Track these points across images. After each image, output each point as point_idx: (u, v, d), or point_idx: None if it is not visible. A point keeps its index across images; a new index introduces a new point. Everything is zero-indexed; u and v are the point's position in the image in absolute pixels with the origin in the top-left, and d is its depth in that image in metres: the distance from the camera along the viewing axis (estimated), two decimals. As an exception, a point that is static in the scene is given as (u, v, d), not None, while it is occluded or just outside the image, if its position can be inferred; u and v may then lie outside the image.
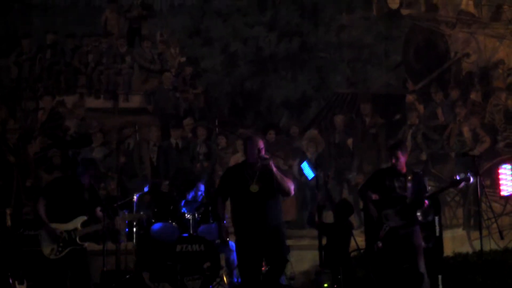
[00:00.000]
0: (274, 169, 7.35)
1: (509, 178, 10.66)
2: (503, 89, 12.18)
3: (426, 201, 7.89)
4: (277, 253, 7.39)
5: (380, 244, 8.05)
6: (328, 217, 9.40)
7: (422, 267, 7.96)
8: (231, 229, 7.76)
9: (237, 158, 11.26)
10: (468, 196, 11.57)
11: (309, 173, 9.29)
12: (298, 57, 12.30)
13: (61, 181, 8.21)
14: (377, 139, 11.99)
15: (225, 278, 9.36)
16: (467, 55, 12.26)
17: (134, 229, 9.49)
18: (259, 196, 7.33)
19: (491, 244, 10.03)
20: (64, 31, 12.21)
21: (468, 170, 7.97)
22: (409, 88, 12.21)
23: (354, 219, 9.92)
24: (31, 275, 8.73)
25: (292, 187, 7.49)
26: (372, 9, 12.39)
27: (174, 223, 9.42)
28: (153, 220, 9.48)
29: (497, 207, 11.30)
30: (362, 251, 8.51)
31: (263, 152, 7.40)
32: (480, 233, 8.13)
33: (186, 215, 9.50)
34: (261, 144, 7.45)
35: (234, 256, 8.78)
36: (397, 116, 12.12)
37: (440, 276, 8.69)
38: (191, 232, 9.37)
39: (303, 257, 10.37)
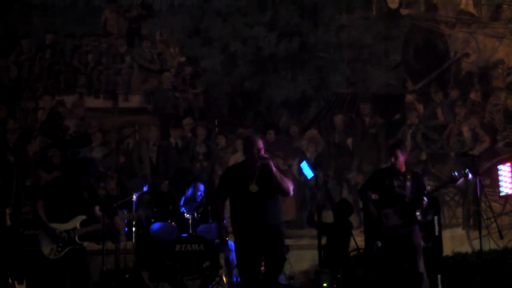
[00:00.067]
0: (274, 169, 7.34)
1: (508, 177, 10.65)
2: (502, 89, 12.18)
3: (426, 199, 7.89)
4: (276, 252, 7.38)
5: (379, 244, 8.07)
6: (328, 216, 9.40)
7: (422, 267, 7.97)
8: (231, 229, 7.76)
9: (237, 158, 11.26)
10: (468, 195, 11.58)
11: (308, 172, 9.28)
12: (298, 57, 12.30)
13: (60, 181, 8.19)
14: (376, 139, 11.99)
15: (224, 278, 9.37)
16: (467, 54, 12.26)
17: (134, 229, 9.49)
18: (258, 196, 7.32)
19: (490, 244, 10.05)
20: (64, 31, 12.21)
21: (466, 167, 7.98)
22: (408, 88, 12.21)
23: (353, 219, 9.91)
24: (30, 274, 8.72)
25: (291, 187, 7.49)
26: (371, 9, 12.39)
27: (173, 223, 9.42)
28: (152, 220, 9.48)
29: (496, 206, 11.30)
30: (361, 250, 8.52)
31: (262, 152, 7.40)
32: (480, 233, 8.14)
33: (185, 214, 9.50)
34: (260, 144, 7.45)
35: (233, 256, 8.77)
36: (397, 116, 12.12)
37: (439, 276, 8.70)
38: (191, 231, 9.36)
39: (302, 256, 10.37)
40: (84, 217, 7.85)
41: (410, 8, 12.33)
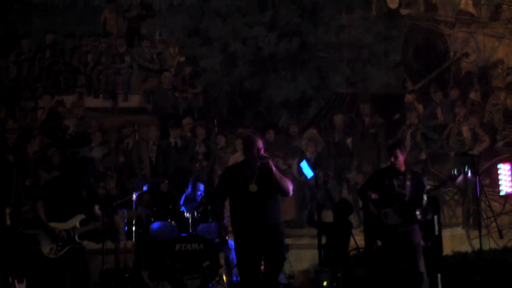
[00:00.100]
0: (273, 168, 7.34)
1: (508, 177, 10.65)
2: (502, 89, 12.17)
3: (425, 198, 7.89)
4: (275, 252, 7.38)
5: (379, 243, 8.07)
6: (328, 216, 9.40)
7: (422, 266, 7.96)
8: (230, 228, 7.76)
9: (236, 157, 11.26)
10: (468, 195, 11.57)
11: (308, 172, 9.29)
12: (298, 57, 12.30)
13: (59, 180, 8.20)
14: (376, 138, 11.99)
15: (224, 277, 9.37)
16: (466, 54, 12.26)
17: (134, 228, 9.49)
18: (258, 195, 7.31)
19: (490, 243, 10.07)
20: (64, 31, 12.23)
21: (466, 165, 7.98)
22: (408, 88, 12.21)
23: (353, 218, 9.92)
24: (30, 274, 8.72)
25: (291, 187, 7.47)
26: (371, 9, 12.39)
27: (173, 222, 9.43)
28: (152, 219, 9.48)
29: (496, 206, 11.30)
30: (361, 250, 8.52)
31: (262, 151, 7.39)
32: (480, 232, 8.14)
33: (185, 214, 9.51)
34: (260, 143, 7.44)
35: (233, 255, 8.77)
36: (396, 116, 12.12)
37: (439, 275, 8.69)
38: (190, 231, 9.37)
39: (302, 256, 10.37)
40: (83, 216, 7.85)
41: (410, 8, 12.34)
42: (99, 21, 12.35)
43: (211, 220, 9.36)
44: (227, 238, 9.06)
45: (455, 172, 8.00)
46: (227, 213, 7.85)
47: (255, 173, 7.35)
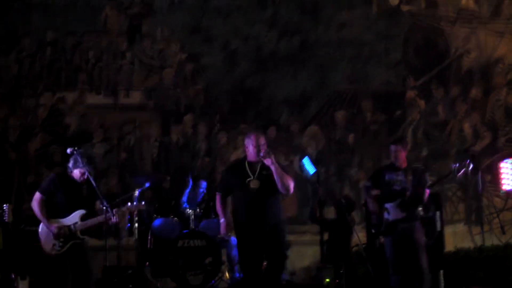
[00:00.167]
0: (275, 164, 7.33)
1: (510, 173, 10.65)
2: (503, 86, 12.16)
3: (428, 191, 7.88)
4: (276, 249, 7.37)
5: (382, 240, 8.06)
6: (330, 212, 9.40)
7: (424, 263, 7.95)
8: (232, 225, 7.75)
9: (238, 154, 11.23)
10: (470, 191, 11.56)
11: (310, 168, 9.29)
12: (299, 55, 12.30)
13: (59, 177, 8.18)
14: (378, 135, 11.98)
15: (226, 274, 9.37)
16: (468, 51, 12.25)
17: (136, 225, 9.49)
18: (259, 192, 7.30)
19: (492, 239, 10.05)
20: (64, 30, 12.22)
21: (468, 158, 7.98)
22: (410, 84, 12.20)
23: (355, 215, 9.91)
24: (33, 270, 8.71)
25: (291, 184, 7.44)
26: (372, 7, 12.38)
27: (175, 219, 9.43)
28: (154, 216, 9.48)
29: (498, 202, 11.28)
30: (364, 245, 8.52)
31: (264, 148, 7.38)
32: (482, 228, 8.15)
33: (187, 210, 9.50)
34: (262, 140, 7.44)
35: (235, 252, 8.77)
36: (398, 113, 12.12)
37: (441, 272, 8.67)
38: (193, 227, 9.36)
39: (304, 252, 10.35)
40: (84, 211, 7.82)
41: (411, 5, 12.33)
42: (99, 20, 12.35)
43: (213, 217, 9.35)
44: (229, 234, 9.04)
45: (456, 165, 7.98)
46: (229, 209, 7.85)
47: (256, 170, 7.34)
